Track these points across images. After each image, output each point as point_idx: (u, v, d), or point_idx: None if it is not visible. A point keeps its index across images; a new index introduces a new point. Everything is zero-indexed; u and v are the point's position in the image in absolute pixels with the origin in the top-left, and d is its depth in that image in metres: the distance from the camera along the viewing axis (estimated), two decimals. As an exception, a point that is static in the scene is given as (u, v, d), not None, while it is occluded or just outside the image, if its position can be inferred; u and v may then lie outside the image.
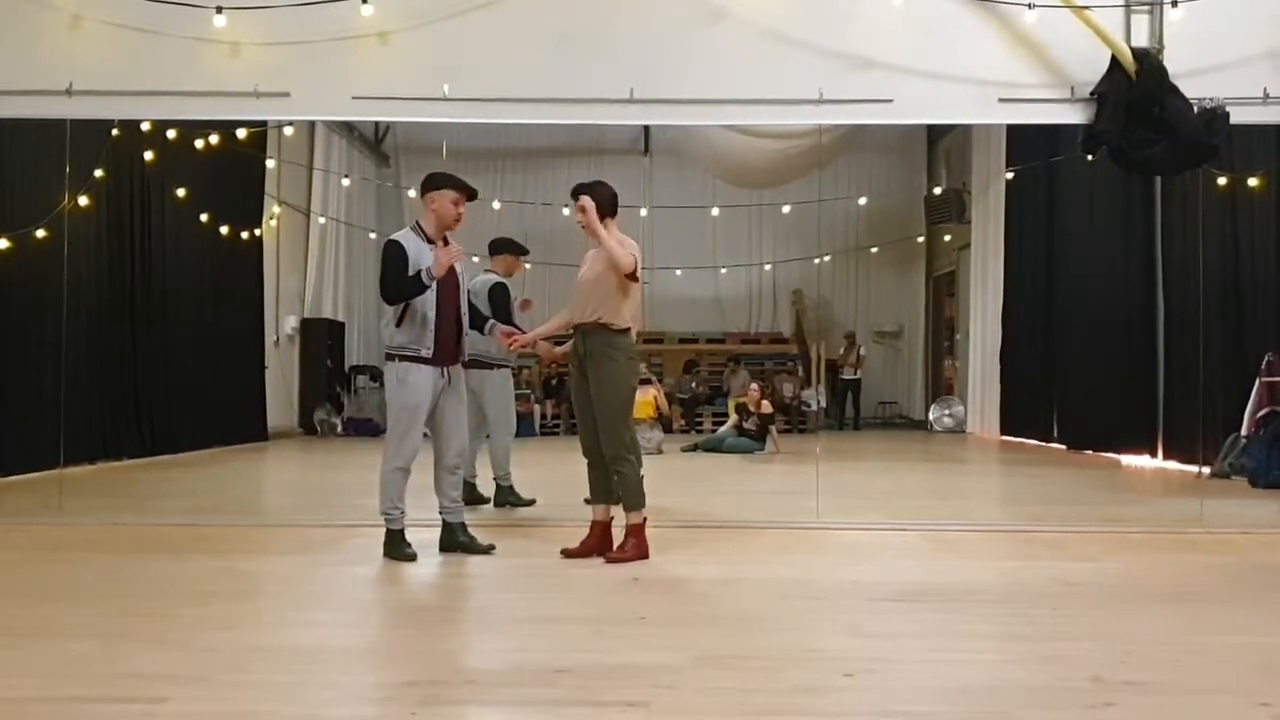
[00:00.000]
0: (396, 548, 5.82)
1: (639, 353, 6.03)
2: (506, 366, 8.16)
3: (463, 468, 6.43)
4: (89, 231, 11.00)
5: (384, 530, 5.94)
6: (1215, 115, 7.17)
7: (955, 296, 20.44)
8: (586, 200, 5.81)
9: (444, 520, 6.05)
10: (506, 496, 8.08)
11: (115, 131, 10.61)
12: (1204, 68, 7.26)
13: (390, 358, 5.86)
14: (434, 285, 5.79)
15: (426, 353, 5.82)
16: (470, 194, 6.08)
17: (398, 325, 5.81)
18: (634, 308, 5.91)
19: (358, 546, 6.28)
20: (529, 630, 4.40)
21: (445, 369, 5.92)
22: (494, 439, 8.06)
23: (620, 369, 5.82)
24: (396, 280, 5.78)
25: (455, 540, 6.00)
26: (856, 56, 7.39)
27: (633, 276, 5.82)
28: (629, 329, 5.87)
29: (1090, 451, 13.64)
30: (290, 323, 17.31)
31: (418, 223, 6.01)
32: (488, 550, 5.99)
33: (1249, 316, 10.74)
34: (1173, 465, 11.61)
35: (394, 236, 5.94)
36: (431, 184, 6.05)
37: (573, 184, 6.04)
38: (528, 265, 8.80)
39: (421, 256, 5.81)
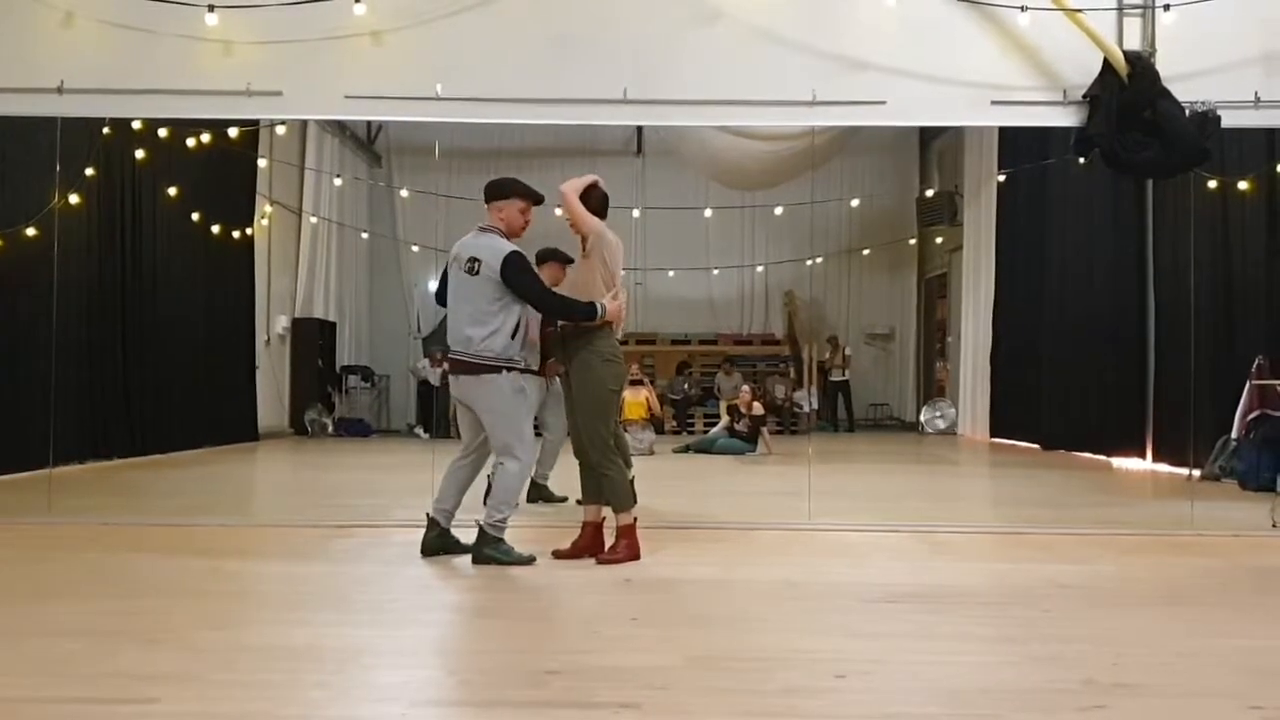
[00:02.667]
0: (515, 554, 5.73)
1: (622, 354, 6.01)
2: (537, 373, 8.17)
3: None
4: (79, 230, 10.96)
5: (412, 528, 5.91)
6: (1207, 119, 7.20)
7: (947, 298, 20.46)
8: (563, 188, 5.85)
9: (438, 523, 5.97)
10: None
11: (106, 130, 10.57)
12: (1196, 71, 7.29)
13: (496, 369, 5.74)
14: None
15: (534, 366, 5.99)
16: (537, 200, 6.02)
17: (512, 337, 5.76)
18: (618, 305, 5.88)
19: (348, 547, 6.27)
20: (521, 631, 4.40)
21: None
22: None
23: (597, 372, 5.81)
24: (564, 295, 5.88)
25: (444, 543, 5.96)
26: (850, 58, 7.40)
27: (584, 241, 5.83)
28: (606, 323, 5.83)
29: (1081, 454, 13.67)
30: (281, 322, 17.27)
31: (493, 226, 5.90)
32: (469, 550, 5.96)
33: (1239, 319, 10.77)
34: (1163, 468, 11.64)
35: (511, 245, 5.80)
36: (499, 191, 5.96)
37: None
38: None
39: None
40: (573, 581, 5.35)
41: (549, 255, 8.16)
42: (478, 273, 5.76)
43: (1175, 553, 6.35)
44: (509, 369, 5.77)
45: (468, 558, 5.83)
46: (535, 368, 8.06)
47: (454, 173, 18.66)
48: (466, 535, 5.90)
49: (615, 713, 3.24)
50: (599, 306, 5.73)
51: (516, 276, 5.74)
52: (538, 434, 7.90)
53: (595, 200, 5.91)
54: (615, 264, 5.88)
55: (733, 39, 7.41)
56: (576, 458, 5.98)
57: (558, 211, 5.96)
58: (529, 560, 5.73)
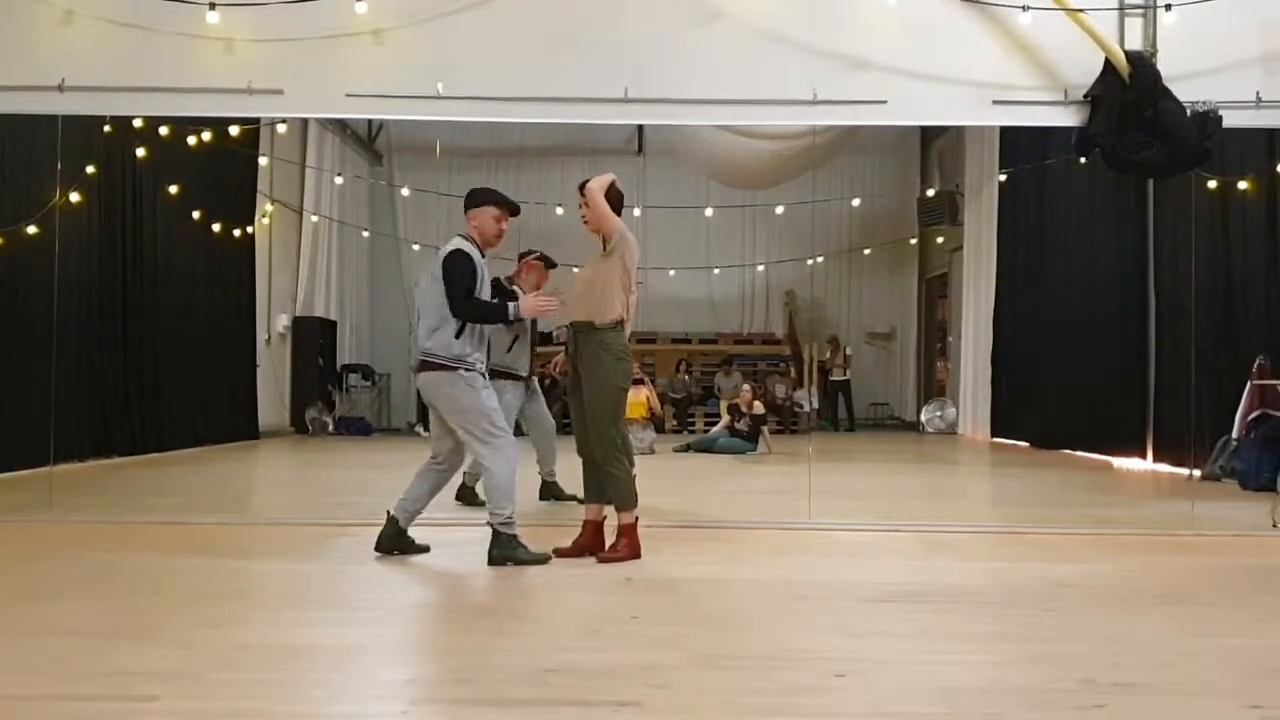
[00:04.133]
0: (529, 552, 5.70)
1: (631, 353, 6.01)
2: (522, 379, 8.14)
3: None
4: (80, 228, 10.97)
5: (412, 526, 5.87)
6: (1208, 118, 7.20)
7: (947, 298, 20.47)
8: (591, 186, 5.85)
9: (396, 521, 5.90)
10: (471, 498, 8.06)
11: (107, 128, 10.58)
12: (1197, 71, 7.29)
13: (441, 367, 5.72)
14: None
15: (481, 367, 5.83)
16: (513, 210, 6.00)
17: (457, 336, 5.73)
18: (629, 305, 5.89)
19: (348, 545, 6.26)
20: (521, 629, 4.40)
21: None
22: None
23: (608, 369, 5.81)
24: (475, 298, 5.74)
25: (400, 543, 5.91)
26: (851, 57, 7.40)
27: (605, 241, 5.82)
28: (620, 322, 5.84)
29: (1081, 454, 13.68)
30: (282, 321, 17.28)
31: (467, 235, 5.90)
32: (425, 550, 5.96)
33: (1240, 319, 10.77)
34: (1163, 468, 11.63)
35: (460, 248, 5.79)
36: (472, 200, 5.97)
37: (566, 183, 6.03)
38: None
39: (483, 271, 5.83)
40: (573, 580, 5.35)
41: (531, 256, 8.16)
42: (435, 275, 5.83)
43: (1175, 552, 6.35)
44: (452, 368, 5.72)
45: (470, 556, 5.82)
46: (521, 371, 8.08)
47: (454, 171, 18.69)
48: (458, 535, 5.90)
49: (615, 711, 3.24)
50: (513, 308, 5.75)
51: (446, 275, 5.74)
52: (522, 434, 7.89)
53: (612, 198, 5.91)
54: (632, 264, 5.90)
55: (733, 38, 7.41)
56: (580, 455, 5.97)
57: (559, 210, 5.96)
58: (544, 559, 5.72)
